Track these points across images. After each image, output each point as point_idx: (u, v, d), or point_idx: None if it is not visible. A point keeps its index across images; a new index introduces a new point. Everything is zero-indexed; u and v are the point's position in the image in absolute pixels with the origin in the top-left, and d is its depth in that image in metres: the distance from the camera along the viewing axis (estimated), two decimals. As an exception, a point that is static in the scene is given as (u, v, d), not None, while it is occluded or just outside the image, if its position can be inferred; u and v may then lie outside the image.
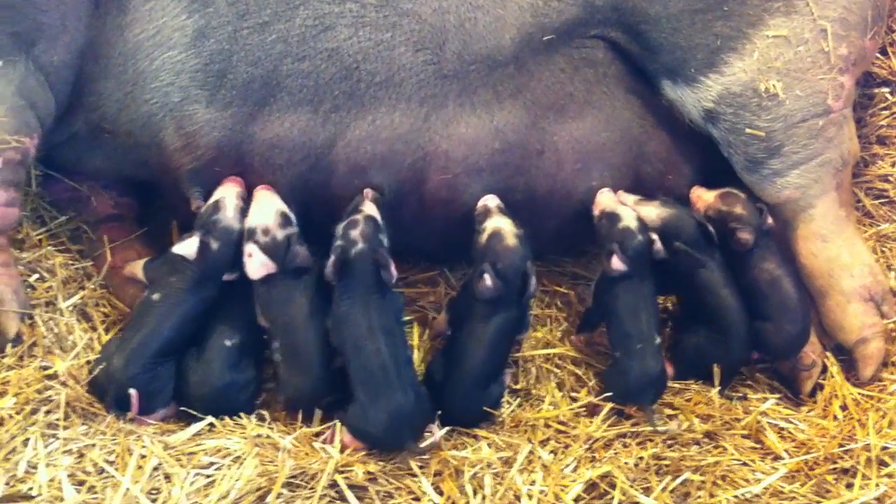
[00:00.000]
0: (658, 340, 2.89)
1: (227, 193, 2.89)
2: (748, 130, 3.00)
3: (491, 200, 2.98)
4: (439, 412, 2.77)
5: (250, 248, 2.77)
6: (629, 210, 2.99)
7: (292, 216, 2.86)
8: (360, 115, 2.96)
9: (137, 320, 2.80)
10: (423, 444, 2.66)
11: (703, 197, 3.12)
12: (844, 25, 3.00)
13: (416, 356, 3.07)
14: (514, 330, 2.92)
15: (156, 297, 2.81)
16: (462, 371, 2.82)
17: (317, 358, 2.75)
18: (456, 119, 3.00)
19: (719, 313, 2.99)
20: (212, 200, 2.88)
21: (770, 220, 3.02)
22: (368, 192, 2.92)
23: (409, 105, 2.98)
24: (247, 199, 2.91)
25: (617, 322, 2.93)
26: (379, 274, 2.74)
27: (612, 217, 2.98)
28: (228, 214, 2.84)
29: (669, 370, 3.05)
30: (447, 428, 2.74)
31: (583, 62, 3.12)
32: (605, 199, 3.05)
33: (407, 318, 3.16)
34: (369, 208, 2.86)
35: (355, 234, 2.77)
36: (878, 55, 3.41)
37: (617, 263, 2.88)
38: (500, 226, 2.89)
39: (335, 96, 2.94)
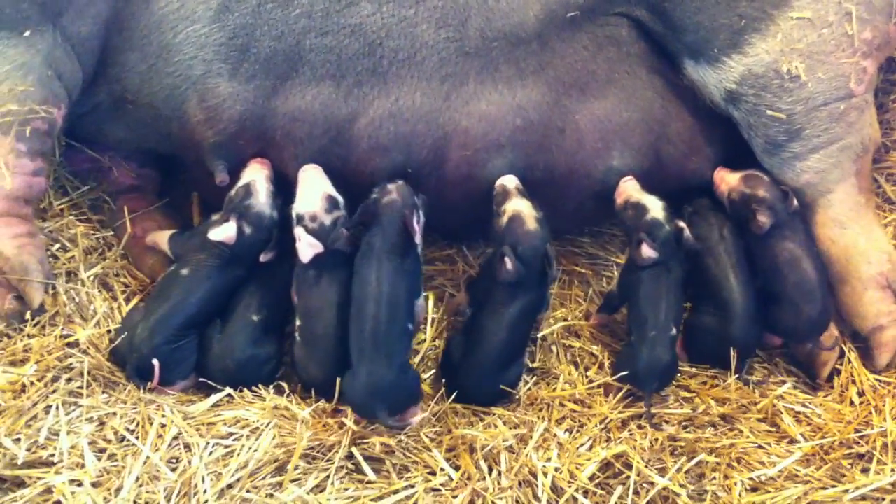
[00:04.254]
0: (674, 332, 2.89)
1: (257, 177, 2.91)
2: (769, 112, 2.99)
3: (509, 181, 2.97)
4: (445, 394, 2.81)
5: (299, 233, 2.77)
6: (655, 200, 2.98)
7: (339, 197, 2.85)
8: (382, 92, 2.95)
9: (163, 292, 2.82)
10: (394, 421, 2.65)
11: (727, 179, 3.11)
12: (869, 9, 2.98)
13: (430, 329, 3.09)
14: (535, 311, 2.93)
15: (184, 271, 2.83)
16: (482, 352, 2.83)
17: (333, 350, 2.75)
18: (477, 96, 3.00)
19: (722, 293, 2.99)
20: (241, 183, 2.90)
21: (795, 203, 3.01)
22: None
23: (431, 84, 2.97)
24: (274, 180, 2.93)
25: (636, 307, 2.94)
26: (404, 234, 2.75)
27: (639, 207, 2.97)
28: (261, 199, 2.86)
29: (683, 354, 3.06)
30: (425, 415, 2.74)
31: (606, 40, 3.10)
32: (630, 188, 3.04)
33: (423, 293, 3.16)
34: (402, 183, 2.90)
35: (391, 186, 2.82)
36: (902, 41, 3.38)
37: (647, 251, 2.88)
38: (519, 208, 2.87)
39: (358, 72, 2.94)
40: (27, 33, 2.76)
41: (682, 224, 2.97)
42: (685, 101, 3.17)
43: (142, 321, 2.76)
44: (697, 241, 3.00)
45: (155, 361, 2.70)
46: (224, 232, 2.80)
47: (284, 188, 2.89)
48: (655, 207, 2.96)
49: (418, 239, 2.81)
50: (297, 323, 2.80)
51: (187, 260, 2.86)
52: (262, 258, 2.84)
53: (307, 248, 2.75)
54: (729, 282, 2.99)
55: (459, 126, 2.99)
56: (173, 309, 2.76)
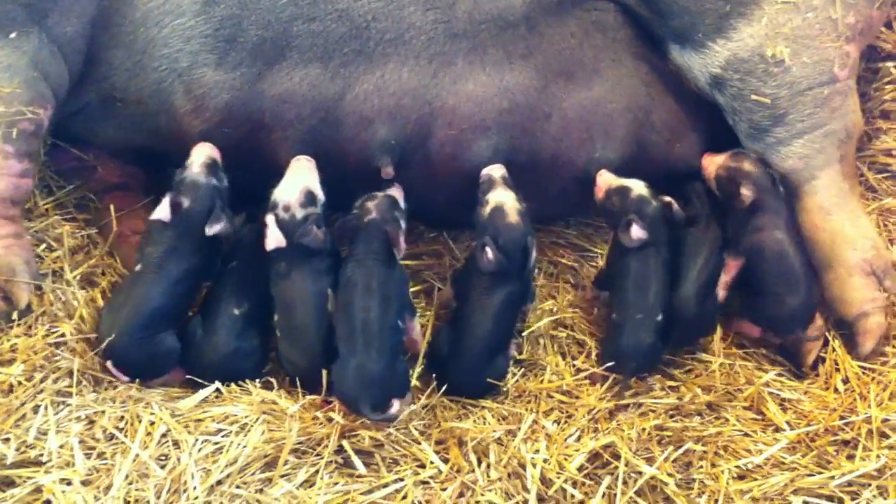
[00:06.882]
0: (660, 317, 2.89)
1: (196, 153, 2.89)
2: (753, 97, 3.00)
3: (496, 171, 2.98)
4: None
5: (269, 221, 2.79)
6: (636, 180, 2.99)
7: (320, 194, 2.86)
8: (368, 70, 2.97)
9: (122, 293, 2.81)
10: (377, 416, 2.64)
11: (715, 160, 3.12)
12: (853, -7, 2.99)
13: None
14: (519, 302, 2.94)
15: (138, 268, 2.80)
16: (468, 343, 2.84)
17: (314, 338, 2.76)
18: (464, 76, 3.02)
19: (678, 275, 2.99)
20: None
21: (781, 189, 3.02)
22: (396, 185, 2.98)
23: (418, 62, 2.99)
24: (217, 157, 2.91)
25: (623, 290, 2.93)
26: (388, 246, 2.78)
27: (623, 190, 2.98)
28: (194, 170, 2.85)
29: None
30: (408, 409, 2.74)
31: (593, 26, 3.12)
32: (608, 178, 3.05)
33: (413, 289, 3.17)
34: (393, 191, 2.93)
35: (370, 205, 2.84)
36: (883, 29, 3.39)
37: (637, 232, 2.88)
38: (503, 200, 2.89)
39: (344, 53, 2.96)
40: (12, 35, 2.76)
41: (668, 198, 2.98)
42: (670, 89, 3.20)
43: (106, 321, 2.74)
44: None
45: (109, 363, 2.70)
46: (160, 210, 2.79)
47: (270, 174, 2.88)
48: (638, 186, 2.98)
49: (401, 252, 2.84)
50: (275, 318, 2.81)
51: (140, 256, 2.82)
52: (208, 231, 2.79)
53: (272, 239, 2.78)
54: (691, 267, 2.97)
55: (446, 104, 3.01)
56: (135, 308, 2.73)
